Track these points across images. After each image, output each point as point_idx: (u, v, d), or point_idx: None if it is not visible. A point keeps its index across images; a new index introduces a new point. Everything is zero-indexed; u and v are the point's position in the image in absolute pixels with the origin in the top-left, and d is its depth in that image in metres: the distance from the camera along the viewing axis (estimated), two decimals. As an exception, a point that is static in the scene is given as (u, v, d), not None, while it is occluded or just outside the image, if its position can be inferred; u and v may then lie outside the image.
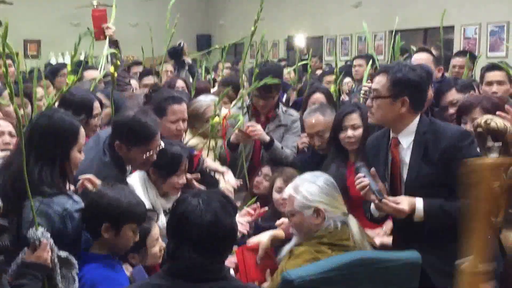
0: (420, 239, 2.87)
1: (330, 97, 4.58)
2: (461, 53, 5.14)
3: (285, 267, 2.66)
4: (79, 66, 4.12)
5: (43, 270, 2.36)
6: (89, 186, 2.77)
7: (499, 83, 4.35)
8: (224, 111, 4.26)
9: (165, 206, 3.30)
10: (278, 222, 3.30)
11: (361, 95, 4.46)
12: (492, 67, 4.59)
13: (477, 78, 4.92)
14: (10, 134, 3.62)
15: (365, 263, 2.57)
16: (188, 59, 6.77)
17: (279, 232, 3.22)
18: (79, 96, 3.58)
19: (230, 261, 3.13)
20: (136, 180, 3.28)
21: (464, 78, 5.11)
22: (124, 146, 3.04)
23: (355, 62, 7.11)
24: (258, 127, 4.21)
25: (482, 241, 1.99)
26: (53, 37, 13.71)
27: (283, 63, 8.03)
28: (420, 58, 4.76)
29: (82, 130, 2.71)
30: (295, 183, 2.91)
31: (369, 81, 4.46)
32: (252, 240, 3.23)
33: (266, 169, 4.10)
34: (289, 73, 6.96)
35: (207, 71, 7.55)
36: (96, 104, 3.69)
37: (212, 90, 5.84)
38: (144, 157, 3.04)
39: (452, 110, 3.96)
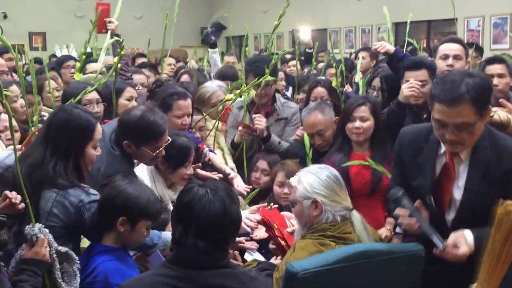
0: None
1: (332, 91, 4.52)
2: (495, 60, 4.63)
3: (289, 259, 2.66)
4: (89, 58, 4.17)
5: (41, 265, 2.37)
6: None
7: (500, 76, 4.34)
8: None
9: (173, 197, 3.32)
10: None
11: (373, 94, 4.49)
12: (493, 60, 4.58)
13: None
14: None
15: (369, 255, 2.57)
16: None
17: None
18: (75, 87, 3.68)
19: (253, 218, 3.26)
20: (143, 171, 3.31)
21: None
22: (133, 145, 3.05)
23: (360, 55, 7.10)
24: (263, 120, 4.24)
25: (494, 273, 2.03)
26: (58, 29, 13.73)
27: (288, 56, 8.00)
28: (450, 48, 4.28)
29: (98, 127, 2.75)
30: (299, 174, 2.93)
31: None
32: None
33: (263, 164, 4.13)
34: (294, 66, 6.97)
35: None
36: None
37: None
38: (154, 154, 3.07)
39: None
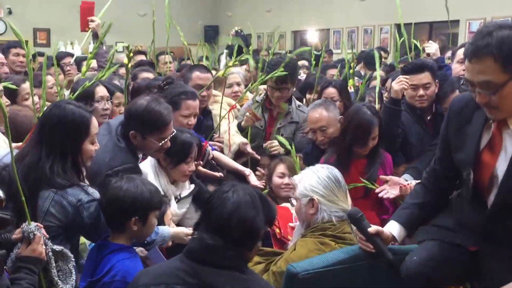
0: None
1: (343, 91, 4.55)
2: None
3: (290, 257, 2.68)
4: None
5: (38, 263, 2.34)
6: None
7: None
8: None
9: (175, 193, 3.37)
10: None
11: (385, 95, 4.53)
12: None
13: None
14: None
15: (369, 256, 2.58)
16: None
17: None
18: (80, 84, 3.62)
19: None
20: (147, 167, 3.33)
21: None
22: (139, 135, 3.06)
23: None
24: (276, 143, 4.28)
25: None
26: (63, 26, 13.78)
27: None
28: None
29: (94, 121, 2.70)
30: (302, 172, 2.97)
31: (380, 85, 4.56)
32: None
33: (265, 160, 4.23)
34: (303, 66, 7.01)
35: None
36: (99, 89, 3.75)
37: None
38: (159, 144, 3.08)
39: None
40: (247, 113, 4.34)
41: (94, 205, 2.57)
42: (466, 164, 2.37)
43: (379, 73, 4.70)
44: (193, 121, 3.74)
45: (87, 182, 2.72)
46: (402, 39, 4.95)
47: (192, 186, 3.50)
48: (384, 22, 11.63)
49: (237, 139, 4.27)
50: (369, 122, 3.61)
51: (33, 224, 2.36)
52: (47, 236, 2.40)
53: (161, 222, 3.01)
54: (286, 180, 3.81)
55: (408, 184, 3.49)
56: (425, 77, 3.91)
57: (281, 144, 4.06)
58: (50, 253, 2.40)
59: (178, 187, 3.40)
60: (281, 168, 3.89)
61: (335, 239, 2.74)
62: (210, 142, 4.12)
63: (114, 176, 2.72)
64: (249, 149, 4.26)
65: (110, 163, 2.95)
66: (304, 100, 5.37)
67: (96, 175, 2.86)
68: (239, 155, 4.26)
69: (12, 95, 4.07)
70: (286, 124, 4.45)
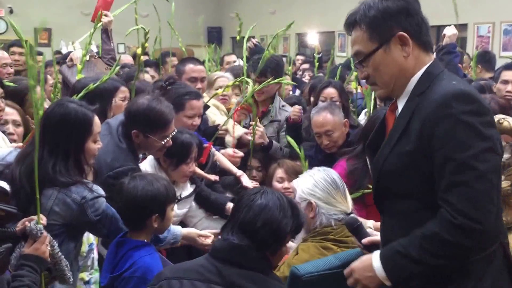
0: None
1: (343, 92, 4.54)
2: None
3: (292, 262, 2.66)
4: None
5: (40, 262, 2.34)
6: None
7: None
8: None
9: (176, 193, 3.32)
10: None
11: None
12: (511, 66, 4.55)
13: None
14: (14, 123, 3.57)
15: None
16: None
17: None
18: (83, 83, 3.64)
19: None
20: (147, 167, 3.33)
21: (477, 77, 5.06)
22: (141, 134, 3.06)
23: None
24: (262, 129, 4.25)
25: None
26: (64, 25, 13.73)
27: (300, 60, 7.96)
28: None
29: (96, 120, 2.69)
30: (301, 176, 2.98)
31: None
32: None
33: (255, 162, 4.21)
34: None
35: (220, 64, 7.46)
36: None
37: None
38: (162, 142, 3.09)
39: None
40: (240, 109, 4.34)
41: (99, 201, 2.59)
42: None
43: None
44: (197, 121, 3.74)
45: (90, 179, 2.72)
46: None
47: (193, 186, 3.52)
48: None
49: (240, 129, 4.29)
50: None
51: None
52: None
53: None
54: (285, 184, 3.78)
55: None
56: None
57: (290, 146, 3.97)
58: (60, 254, 2.42)
59: (178, 188, 3.38)
60: (279, 173, 3.86)
61: (337, 243, 2.75)
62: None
63: (115, 177, 2.80)
64: (249, 137, 4.22)
65: (112, 164, 2.97)
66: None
67: (98, 176, 2.86)
68: (240, 146, 4.26)
69: (20, 99, 3.92)
70: (267, 123, 4.44)
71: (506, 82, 4.28)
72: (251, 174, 4.17)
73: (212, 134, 4.07)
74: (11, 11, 14.29)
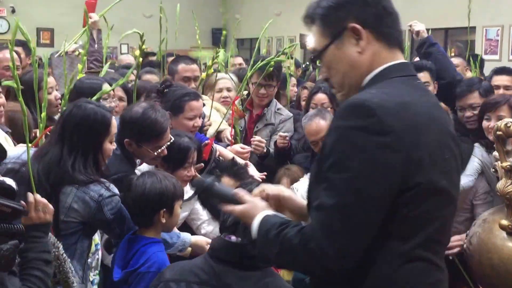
0: None
1: (334, 97, 4.31)
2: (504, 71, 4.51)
3: None
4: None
5: (44, 227, 2.28)
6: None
7: (506, 88, 4.27)
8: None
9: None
10: None
11: None
12: (501, 70, 4.52)
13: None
14: None
15: None
16: None
17: None
18: (87, 83, 3.62)
19: None
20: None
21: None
22: (134, 143, 3.04)
23: None
24: (263, 143, 4.23)
25: None
26: (66, 25, 13.67)
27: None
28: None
29: (114, 121, 2.76)
30: (299, 181, 3.03)
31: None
32: None
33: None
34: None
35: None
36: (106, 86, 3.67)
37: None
38: (155, 153, 3.05)
39: (469, 113, 3.87)
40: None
41: (115, 200, 2.65)
42: None
43: None
44: (199, 122, 3.67)
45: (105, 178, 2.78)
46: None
47: (193, 189, 3.39)
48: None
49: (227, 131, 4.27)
50: None
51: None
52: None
53: None
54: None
55: None
56: (423, 76, 3.87)
57: None
58: (64, 255, 2.42)
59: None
60: (284, 182, 3.79)
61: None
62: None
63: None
64: (228, 135, 4.19)
65: (104, 172, 2.91)
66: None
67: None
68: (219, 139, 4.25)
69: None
70: (262, 127, 4.42)
71: (497, 87, 4.21)
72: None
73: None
74: (13, 11, 14.25)
